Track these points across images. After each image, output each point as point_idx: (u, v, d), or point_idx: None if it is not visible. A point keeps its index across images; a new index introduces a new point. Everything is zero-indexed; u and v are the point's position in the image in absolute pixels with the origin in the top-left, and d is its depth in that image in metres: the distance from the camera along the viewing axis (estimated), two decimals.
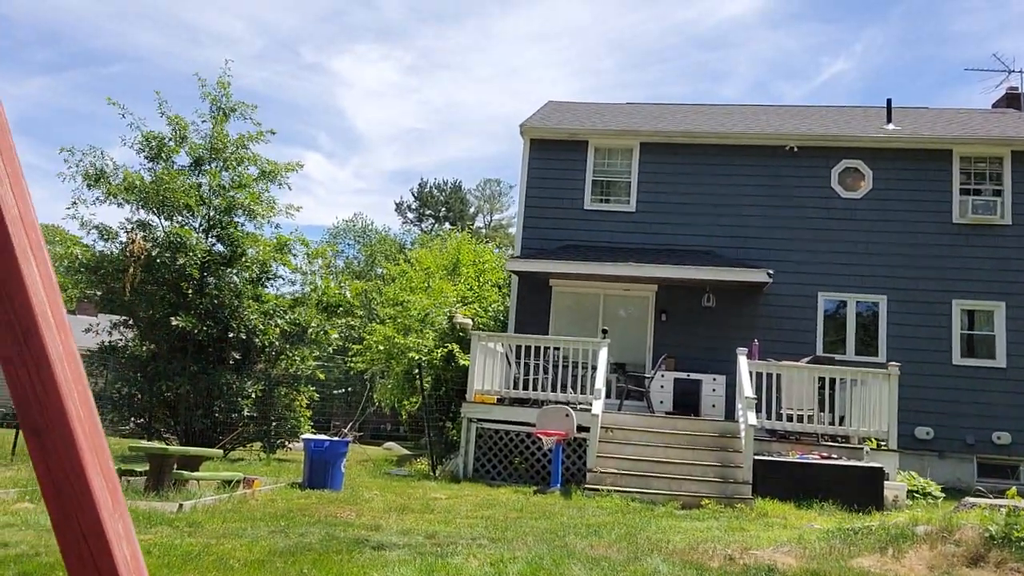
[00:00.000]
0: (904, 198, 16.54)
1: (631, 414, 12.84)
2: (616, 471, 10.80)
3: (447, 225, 48.34)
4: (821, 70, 67.80)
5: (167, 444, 11.92)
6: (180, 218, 16.55)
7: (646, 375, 14.53)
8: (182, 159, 17.03)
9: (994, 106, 20.49)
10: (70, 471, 1.28)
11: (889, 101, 18.63)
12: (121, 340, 16.31)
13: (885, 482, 10.70)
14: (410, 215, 52.65)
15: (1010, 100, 20.07)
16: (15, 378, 1.28)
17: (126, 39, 65.46)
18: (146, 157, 16.72)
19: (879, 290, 16.26)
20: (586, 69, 72.38)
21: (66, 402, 1.28)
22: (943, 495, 11.92)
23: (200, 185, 16.68)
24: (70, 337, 1.36)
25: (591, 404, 11.65)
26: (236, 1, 65.52)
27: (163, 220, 16.55)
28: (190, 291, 15.69)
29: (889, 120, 18.10)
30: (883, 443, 11.87)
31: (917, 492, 11.83)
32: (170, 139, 16.79)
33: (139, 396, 15.15)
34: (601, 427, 11.34)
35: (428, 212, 52.02)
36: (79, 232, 16.33)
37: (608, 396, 13.04)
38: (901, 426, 12.28)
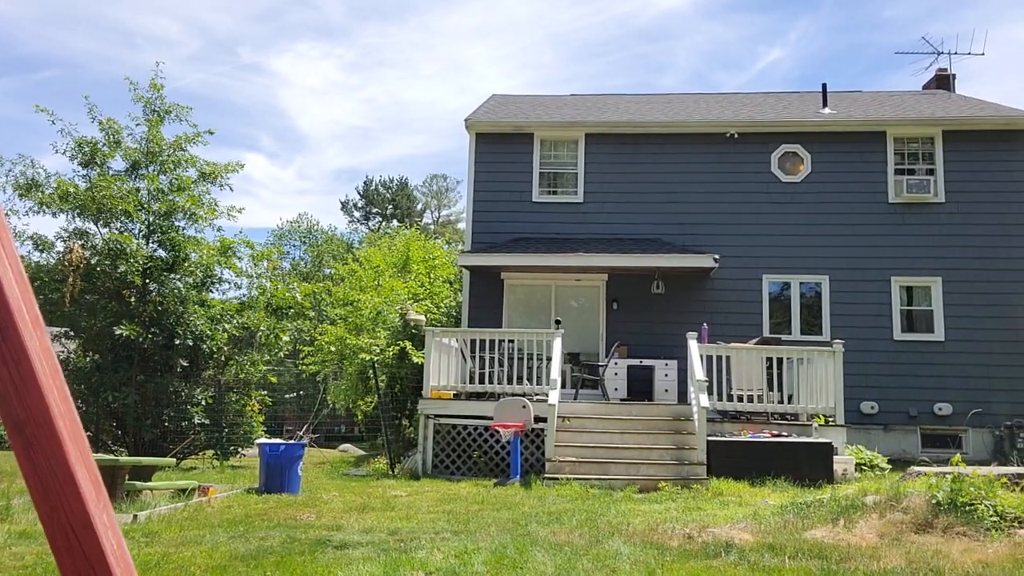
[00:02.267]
0: (842, 180, 16.98)
1: (587, 403, 12.96)
2: (574, 459, 10.90)
3: (395, 223, 48.00)
4: (757, 59, 69.19)
5: (117, 456, 11.62)
6: (119, 224, 16.12)
7: (600, 364, 14.67)
8: (118, 164, 16.61)
9: (925, 88, 21.15)
10: (54, 463, 1.26)
11: (824, 86, 19.10)
12: (63, 352, 15.84)
13: (834, 456, 11.00)
14: (356, 214, 52.14)
15: (940, 81, 20.74)
16: None
17: (57, 44, 63.41)
18: (80, 163, 16.26)
19: (821, 270, 16.68)
20: (529, 63, 72.61)
21: (47, 395, 1.27)
22: (889, 467, 12.33)
23: (138, 190, 16.27)
24: (44, 333, 1.35)
25: (547, 395, 11.72)
26: (171, 2, 63.96)
27: (101, 227, 16.11)
28: (133, 299, 15.30)
29: (825, 104, 18.56)
30: (831, 419, 12.20)
31: (865, 465, 12.22)
32: (104, 144, 16.34)
33: (84, 408, 14.74)
34: (558, 417, 11.42)
35: (375, 210, 51.57)
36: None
37: (564, 386, 13.13)
38: (847, 401, 12.64)
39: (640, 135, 17.54)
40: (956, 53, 21.15)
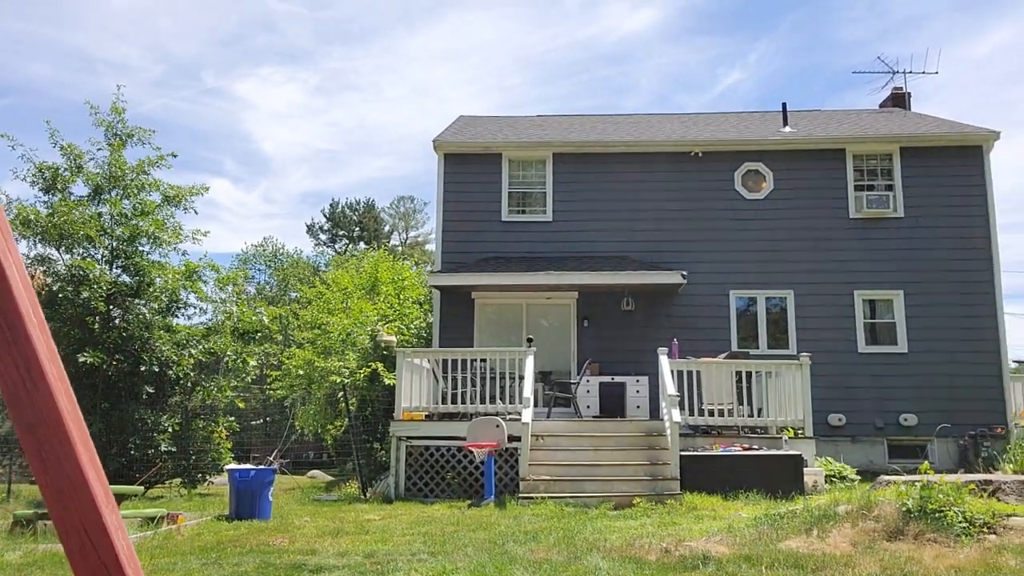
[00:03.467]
0: (804, 196, 17.31)
1: (560, 420, 12.96)
2: (549, 477, 10.88)
3: (362, 245, 47.79)
4: (718, 81, 70.40)
5: None
6: (81, 250, 15.85)
7: (572, 381, 14.70)
8: (80, 189, 16.35)
9: (881, 106, 21.69)
10: (66, 464, 1.25)
11: (784, 105, 19.51)
12: None
13: (804, 468, 11.13)
14: (323, 236, 51.78)
15: (896, 100, 21.29)
16: (4, 375, 1.26)
17: (16, 71, 62.38)
18: (41, 189, 15.99)
19: (786, 285, 16.93)
20: (496, 86, 73.07)
21: (57, 397, 1.26)
22: (858, 477, 12.49)
23: (100, 215, 16.02)
24: (50, 337, 1.33)
25: (520, 413, 11.70)
26: (133, 28, 63.33)
27: (63, 253, 15.82)
28: (96, 325, 15.02)
29: (785, 123, 18.94)
30: (800, 431, 12.35)
31: (834, 476, 12.36)
32: (65, 169, 16.09)
33: None
34: (532, 435, 11.41)
35: (341, 232, 51.27)
36: None
37: (536, 404, 13.14)
38: (815, 414, 12.81)
39: (607, 154, 17.73)
40: (911, 72, 21.81)
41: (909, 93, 21.37)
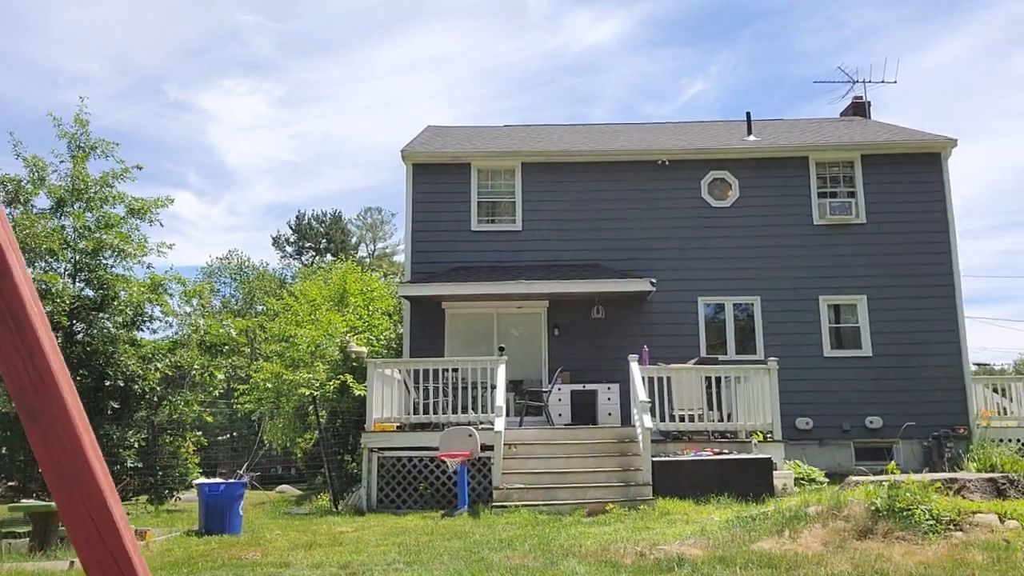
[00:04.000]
0: (769, 204, 17.57)
1: (532, 429, 12.98)
2: (522, 486, 10.89)
3: (329, 257, 47.44)
4: (682, 91, 71.31)
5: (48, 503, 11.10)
6: (43, 264, 15.54)
7: (544, 390, 14.73)
8: (42, 202, 16.05)
9: (842, 115, 22.14)
10: (72, 452, 1.25)
11: (748, 114, 19.81)
12: None
13: (774, 471, 11.27)
14: (289, 249, 51.32)
15: (856, 108, 21.75)
16: (9, 365, 1.25)
17: None
18: (3, 202, 15.65)
19: (752, 291, 17.16)
20: (461, 97, 73.20)
21: (61, 385, 1.25)
22: (827, 480, 12.67)
23: (64, 227, 15.74)
24: (50, 329, 1.32)
25: (493, 422, 11.70)
26: (95, 41, 62.45)
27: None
28: (60, 340, 14.71)
29: (749, 132, 19.24)
30: (769, 435, 12.51)
31: (803, 479, 12.53)
32: (28, 181, 15.79)
33: (10, 455, 14.05)
34: (504, 444, 11.41)
35: (308, 244, 50.87)
36: None
37: (508, 414, 13.14)
38: (783, 418, 12.97)
39: (576, 163, 17.85)
40: (870, 81, 22.27)
41: (869, 102, 21.87)
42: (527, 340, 17.06)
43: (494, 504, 10.55)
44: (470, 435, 11.56)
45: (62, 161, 16.14)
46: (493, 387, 12.52)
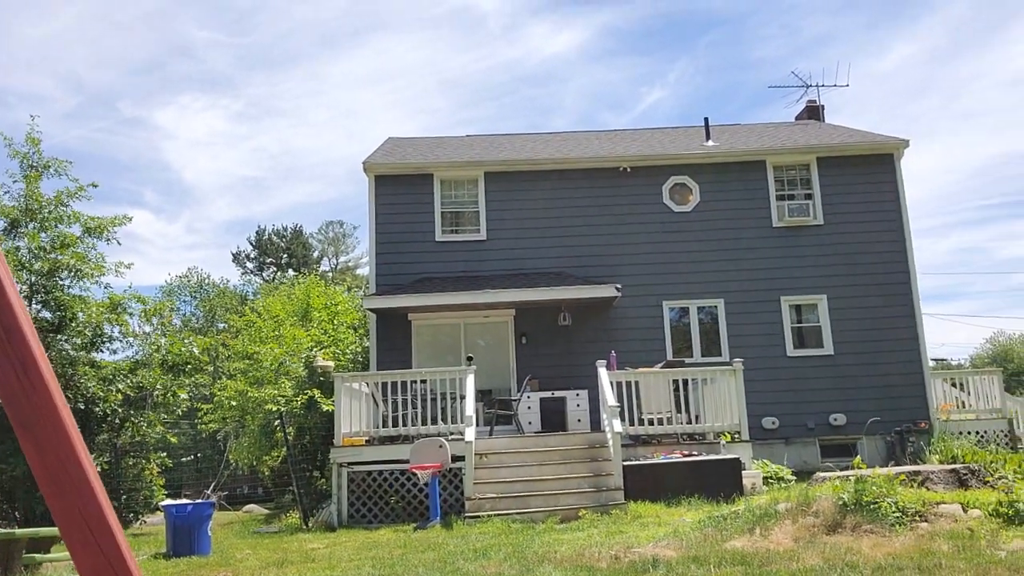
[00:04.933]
0: (729, 207, 17.83)
1: (503, 438, 12.97)
2: (494, 495, 10.86)
3: (291, 272, 46.96)
4: (641, 99, 72.12)
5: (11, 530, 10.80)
6: None
7: (513, 398, 14.73)
8: None
9: (797, 119, 22.57)
10: (66, 460, 1.23)
11: (706, 120, 20.11)
12: None
13: (743, 471, 11.40)
14: (249, 265, 50.68)
15: (811, 112, 22.19)
16: (2, 376, 1.23)
17: None
18: None
19: (716, 294, 17.37)
20: (422, 109, 73.18)
21: (54, 395, 1.23)
22: (794, 478, 12.85)
23: (18, 249, 15.37)
24: (39, 341, 1.30)
25: (463, 432, 11.66)
26: (46, 59, 61.25)
27: None
28: None
29: (708, 137, 19.51)
30: (736, 435, 12.65)
31: (771, 478, 12.70)
32: None
33: None
34: (475, 454, 11.37)
35: (269, 260, 50.31)
36: None
37: (478, 423, 13.11)
38: (750, 419, 13.14)
39: (538, 172, 17.93)
40: (823, 85, 22.72)
41: (823, 105, 22.36)
42: (495, 349, 17.06)
43: (467, 515, 10.50)
44: (440, 446, 11.51)
45: (15, 181, 15.79)
46: (462, 397, 12.49)
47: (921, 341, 17.22)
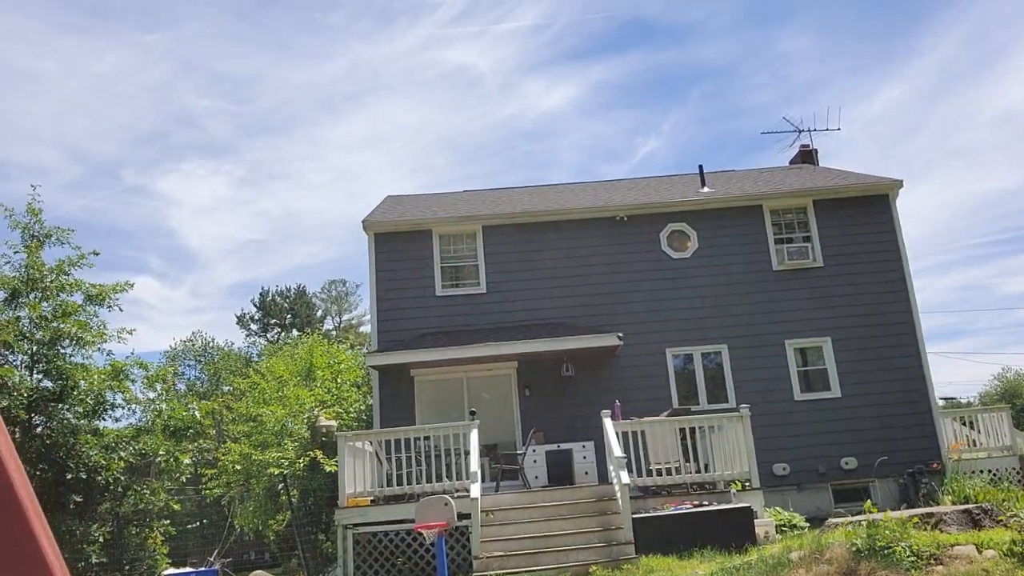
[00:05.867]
0: (728, 253, 17.87)
1: (509, 493, 12.76)
2: (502, 553, 10.65)
3: (294, 332, 46.96)
4: (636, 150, 73.02)
5: None
6: None
7: (518, 452, 14.55)
8: None
9: (791, 163, 22.76)
10: (23, 539, 1.18)
11: (701, 167, 20.30)
12: None
13: (755, 520, 11.18)
14: (254, 326, 50.72)
15: (804, 156, 22.40)
16: None
17: None
18: None
19: (719, 340, 17.29)
20: (421, 167, 74.11)
21: (10, 471, 1.20)
22: (807, 524, 12.59)
23: (19, 318, 15.41)
24: None
25: (469, 489, 11.50)
26: (48, 131, 62.30)
27: None
28: (17, 435, 14.23)
29: (704, 184, 19.67)
30: (747, 483, 12.44)
31: (784, 525, 12.44)
32: None
33: None
34: (482, 511, 11.19)
35: (273, 321, 50.36)
36: None
37: (484, 479, 12.93)
38: (760, 465, 12.93)
39: (535, 224, 18.03)
40: (815, 130, 22.92)
41: (816, 149, 22.55)
42: (498, 402, 16.93)
43: (475, 574, 10.29)
44: (446, 504, 11.31)
45: (16, 252, 15.91)
46: (467, 453, 12.35)
47: (928, 380, 17.07)
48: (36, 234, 16.05)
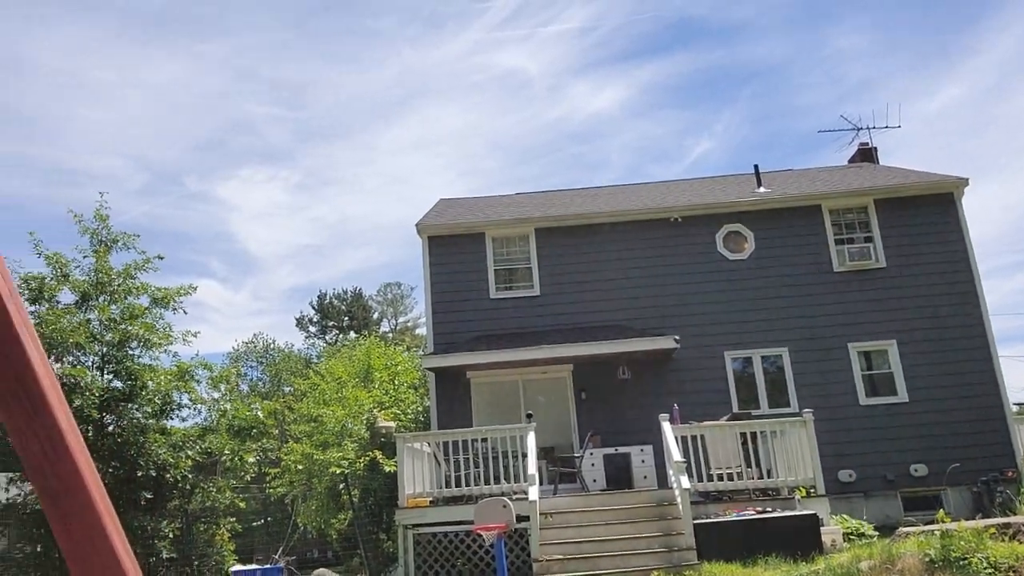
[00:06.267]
0: (786, 254, 17.52)
1: (567, 496, 12.74)
2: (562, 556, 10.63)
3: (352, 334, 47.64)
4: (688, 151, 72.09)
5: None
6: (71, 358, 15.69)
7: (575, 455, 14.51)
8: (66, 297, 16.29)
9: (850, 162, 22.21)
10: (93, 534, 1.23)
11: (756, 167, 19.94)
12: (20, 495, 15.09)
13: (821, 528, 10.92)
14: (312, 329, 51.64)
15: (863, 155, 21.83)
16: (27, 446, 1.26)
17: None
18: (27, 300, 15.91)
19: (779, 343, 16.96)
20: (471, 170, 74.45)
21: (80, 467, 1.25)
22: (876, 533, 12.27)
23: (89, 321, 15.94)
24: (69, 410, 1.33)
25: (527, 491, 11.51)
26: (113, 140, 64.40)
27: (53, 363, 15.65)
28: (90, 433, 14.73)
29: (759, 184, 19.32)
30: (811, 490, 12.16)
31: (852, 533, 12.14)
32: (51, 278, 16.07)
33: (44, 552, 13.94)
34: (540, 513, 11.19)
35: (331, 323, 51.19)
36: None
37: (541, 482, 12.92)
38: (825, 471, 12.62)
39: (588, 226, 17.95)
40: (874, 128, 22.31)
41: (875, 148, 21.96)
42: (554, 405, 16.90)
43: None
44: (504, 506, 11.33)
45: (85, 256, 16.44)
46: (524, 455, 12.35)
47: (1001, 384, 16.48)
48: (104, 239, 16.57)
